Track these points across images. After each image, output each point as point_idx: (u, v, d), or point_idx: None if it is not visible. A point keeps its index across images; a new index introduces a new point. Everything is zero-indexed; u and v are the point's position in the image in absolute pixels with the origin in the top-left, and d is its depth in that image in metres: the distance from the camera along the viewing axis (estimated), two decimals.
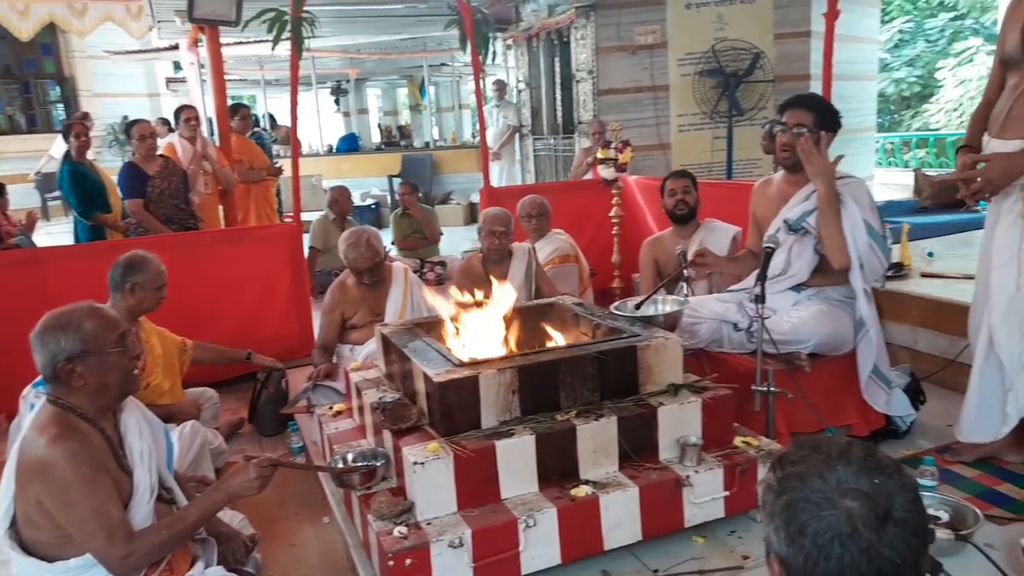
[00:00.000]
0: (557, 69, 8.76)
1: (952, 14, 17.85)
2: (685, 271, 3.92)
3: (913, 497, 0.99)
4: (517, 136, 9.67)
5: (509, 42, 9.63)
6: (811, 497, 0.99)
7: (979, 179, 2.60)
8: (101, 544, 1.87)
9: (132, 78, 13.74)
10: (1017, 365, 2.65)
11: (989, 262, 2.76)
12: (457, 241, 8.32)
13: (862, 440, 1.62)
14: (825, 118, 3.07)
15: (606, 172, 5.07)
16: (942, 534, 2.27)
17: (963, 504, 2.47)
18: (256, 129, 8.53)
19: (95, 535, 1.87)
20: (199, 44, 7.07)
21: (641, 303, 3.11)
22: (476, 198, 7.17)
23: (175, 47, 9.50)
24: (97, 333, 1.96)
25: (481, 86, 5.72)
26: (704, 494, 2.44)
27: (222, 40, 5.95)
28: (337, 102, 16.03)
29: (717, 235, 4.09)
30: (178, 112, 5.79)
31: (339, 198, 6.39)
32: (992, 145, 2.67)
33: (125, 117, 11.88)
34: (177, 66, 13.89)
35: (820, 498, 0.98)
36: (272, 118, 13.09)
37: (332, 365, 3.77)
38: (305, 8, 4.59)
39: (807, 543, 0.97)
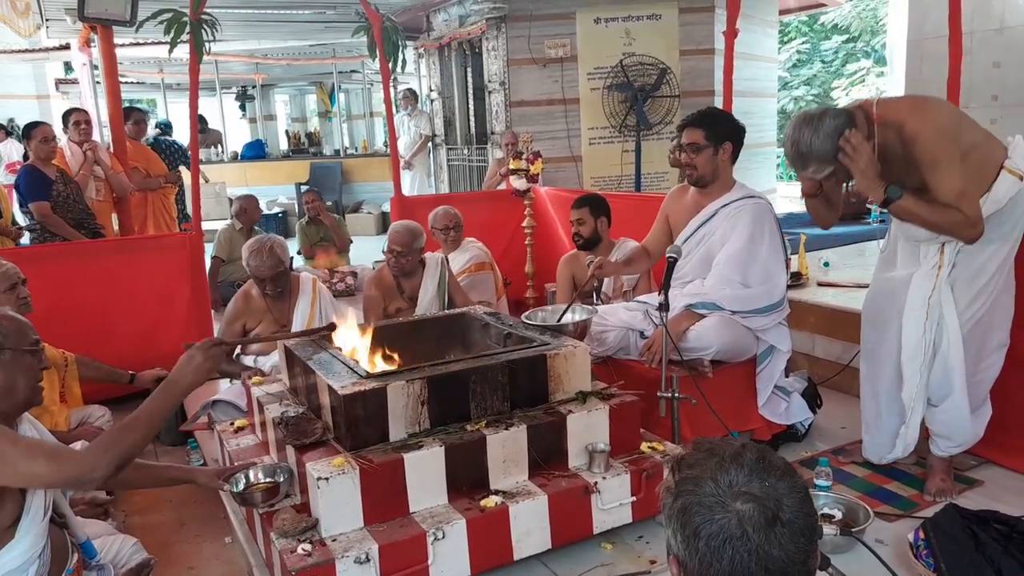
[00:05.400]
0: (469, 79, 8.76)
1: (845, 36, 18.87)
2: (595, 281, 3.97)
3: (802, 497, 1.02)
4: (430, 146, 9.61)
5: (421, 51, 9.57)
6: (704, 501, 1.01)
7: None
8: (66, 467, 1.78)
9: (19, 79, 12.95)
10: (912, 404, 2.76)
11: (895, 290, 2.81)
12: (369, 251, 8.18)
13: (759, 443, 1.67)
14: (717, 131, 3.13)
15: (518, 183, 5.09)
16: (829, 530, 2.36)
17: (855, 502, 2.59)
18: (162, 136, 8.14)
19: (50, 463, 1.75)
20: (91, 44, 6.73)
21: (564, 312, 3.14)
22: (388, 207, 7.07)
23: (66, 47, 9.01)
24: (17, 329, 1.92)
25: (392, 94, 5.65)
26: (612, 500, 2.47)
27: (116, 40, 5.67)
28: (243, 108, 15.56)
29: None
30: (67, 115, 5.51)
31: (247, 207, 6.16)
32: None
33: (11, 120, 11.21)
34: (68, 67, 13.19)
35: (712, 501, 1.01)
36: (203, 120, 12.31)
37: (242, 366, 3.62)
38: (206, 10, 4.42)
39: (701, 546, 0.99)
